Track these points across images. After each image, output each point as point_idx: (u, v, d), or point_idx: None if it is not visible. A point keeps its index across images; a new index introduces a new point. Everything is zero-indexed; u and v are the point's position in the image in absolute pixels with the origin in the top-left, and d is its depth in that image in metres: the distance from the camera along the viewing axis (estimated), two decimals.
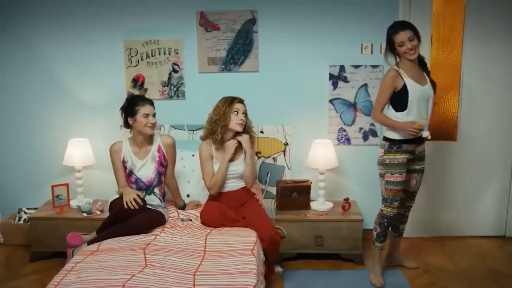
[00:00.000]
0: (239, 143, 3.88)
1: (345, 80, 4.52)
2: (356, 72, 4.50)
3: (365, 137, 4.60)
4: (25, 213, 4.70)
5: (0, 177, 4.83)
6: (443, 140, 4.64)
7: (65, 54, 4.63)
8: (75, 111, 4.71)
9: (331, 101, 4.57)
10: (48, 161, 4.78)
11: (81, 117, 4.71)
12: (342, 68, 4.51)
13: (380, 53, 4.44)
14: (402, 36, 3.55)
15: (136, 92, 4.58)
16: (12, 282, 3.96)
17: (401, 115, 3.64)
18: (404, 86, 3.60)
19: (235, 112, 3.84)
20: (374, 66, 4.47)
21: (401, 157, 3.70)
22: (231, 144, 3.84)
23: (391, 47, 3.67)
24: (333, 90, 4.55)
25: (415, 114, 3.63)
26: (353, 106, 4.56)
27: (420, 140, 3.76)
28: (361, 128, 4.59)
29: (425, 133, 3.67)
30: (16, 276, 4.06)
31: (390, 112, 3.71)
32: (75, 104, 4.70)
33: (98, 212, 4.31)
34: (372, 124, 4.56)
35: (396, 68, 3.64)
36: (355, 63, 4.50)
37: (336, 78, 4.53)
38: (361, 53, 4.49)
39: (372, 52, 4.47)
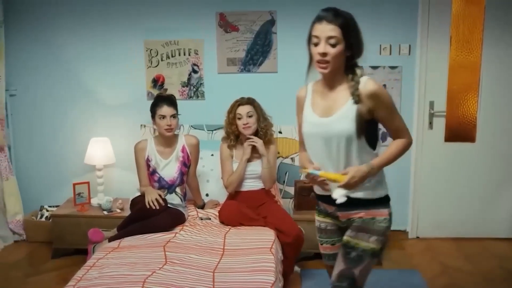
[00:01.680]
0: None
1: None
2: (374, 73, 4.50)
3: (384, 138, 4.59)
4: (47, 210, 4.78)
5: (23, 175, 4.92)
6: (462, 141, 4.62)
7: (87, 55, 4.71)
8: (97, 110, 4.78)
9: None
10: (69, 160, 4.86)
11: (102, 117, 4.78)
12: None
13: (399, 54, 4.46)
14: (320, 29, 2.22)
15: (156, 92, 4.63)
16: (35, 277, 4.04)
17: None
18: None
19: (239, 117, 3.89)
20: (393, 67, 4.48)
21: (319, 219, 2.58)
22: (246, 145, 3.88)
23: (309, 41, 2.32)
24: None
25: (312, 157, 2.42)
26: None
27: (339, 202, 2.23)
28: (379, 129, 4.58)
29: (336, 193, 2.22)
30: (38, 272, 4.13)
31: None
32: (96, 104, 4.78)
33: (118, 210, 4.38)
34: None
35: (307, 83, 2.47)
36: (373, 64, 4.51)
37: None
38: (380, 54, 4.50)
39: (390, 53, 4.48)
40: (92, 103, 4.78)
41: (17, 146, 4.93)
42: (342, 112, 2.26)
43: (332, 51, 2.21)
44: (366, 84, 2.28)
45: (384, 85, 4.51)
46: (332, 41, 2.20)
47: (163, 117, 3.81)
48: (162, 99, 3.89)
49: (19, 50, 4.74)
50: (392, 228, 4.66)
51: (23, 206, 4.83)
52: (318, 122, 2.34)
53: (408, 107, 4.55)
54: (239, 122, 3.88)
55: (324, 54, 2.21)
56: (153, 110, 3.86)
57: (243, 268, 3.02)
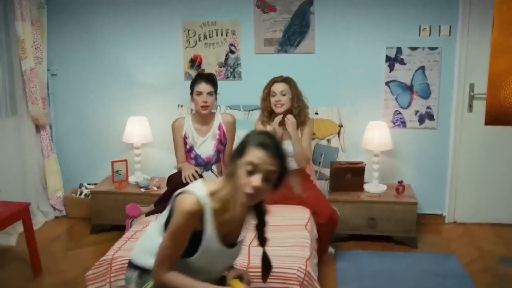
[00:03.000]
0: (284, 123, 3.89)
1: (402, 62, 4.47)
2: (413, 54, 4.43)
3: (421, 120, 4.54)
4: (86, 188, 4.89)
5: (64, 154, 5.04)
6: (504, 125, 4.50)
7: (126, 36, 4.77)
8: (135, 90, 4.85)
9: (387, 83, 4.53)
10: (108, 138, 4.95)
11: (140, 96, 4.85)
12: (399, 50, 4.45)
13: (439, 35, 4.37)
14: (262, 159, 1.96)
15: (193, 73, 4.67)
16: (75, 251, 4.17)
17: None
18: None
19: (272, 95, 3.88)
20: (432, 48, 4.39)
21: None
22: (275, 123, 3.87)
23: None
24: (389, 72, 4.51)
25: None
26: (409, 88, 4.50)
27: None
28: (417, 111, 4.53)
29: None
30: (78, 246, 4.26)
31: None
32: (134, 84, 4.84)
33: (155, 188, 4.44)
34: (428, 107, 4.50)
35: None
36: (412, 45, 4.43)
37: (393, 60, 4.48)
38: (419, 35, 4.41)
39: (430, 34, 4.39)
40: (131, 83, 4.85)
41: (58, 124, 5.05)
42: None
43: (266, 188, 2.00)
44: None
45: (423, 67, 4.43)
46: (271, 176, 1.99)
47: (200, 93, 3.84)
48: (201, 76, 3.93)
49: (61, 31, 4.84)
50: (428, 211, 4.68)
51: (63, 184, 4.95)
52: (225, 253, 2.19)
53: (447, 90, 4.46)
54: (272, 99, 3.88)
55: (257, 189, 1.96)
56: (192, 86, 3.89)
57: (278, 243, 3.03)
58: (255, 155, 1.96)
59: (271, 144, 1.98)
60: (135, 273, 2.26)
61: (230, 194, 2.01)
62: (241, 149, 2.01)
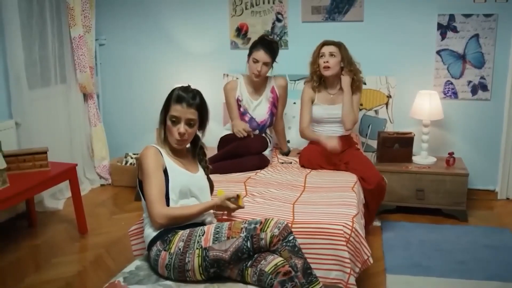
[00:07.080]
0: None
1: (455, 30, 4.30)
2: (467, 21, 4.26)
3: (474, 91, 4.37)
4: (131, 157, 4.93)
5: (110, 124, 5.10)
6: None
7: (173, 5, 4.78)
8: (181, 59, 4.85)
9: (438, 52, 4.37)
10: (153, 108, 4.88)
11: (186, 65, 4.85)
12: (451, 17, 4.28)
13: (496, 0, 4.18)
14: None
15: (239, 41, 4.65)
16: (120, 215, 4.24)
17: None
18: None
19: (321, 56, 3.78)
20: (487, 15, 4.21)
21: None
22: (329, 143, 3.73)
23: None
24: (441, 40, 4.35)
25: None
26: (462, 57, 4.33)
27: None
28: (470, 82, 4.35)
29: None
30: (122, 211, 4.32)
31: None
32: (181, 53, 4.85)
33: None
34: (482, 77, 4.32)
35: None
36: (466, 12, 4.25)
37: (445, 28, 4.32)
38: (474, 1, 4.24)
39: (485, 0, 4.21)
40: (177, 52, 4.86)
41: (105, 94, 5.11)
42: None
43: (191, 131, 2.51)
44: None
45: (477, 35, 4.26)
46: (192, 122, 2.49)
47: (256, 61, 3.73)
48: (262, 43, 3.77)
49: (109, 1, 4.88)
50: (480, 187, 4.51)
51: (109, 152, 5.00)
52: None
53: (502, 59, 4.27)
54: (321, 61, 3.77)
55: (182, 134, 2.48)
56: (250, 50, 3.81)
57: (324, 201, 2.97)
58: (175, 109, 2.45)
59: (187, 97, 2.46)
60: (156, 245, 2.36)
61: (167, 140, 2.53)
62: (167, 106, 2.49)
